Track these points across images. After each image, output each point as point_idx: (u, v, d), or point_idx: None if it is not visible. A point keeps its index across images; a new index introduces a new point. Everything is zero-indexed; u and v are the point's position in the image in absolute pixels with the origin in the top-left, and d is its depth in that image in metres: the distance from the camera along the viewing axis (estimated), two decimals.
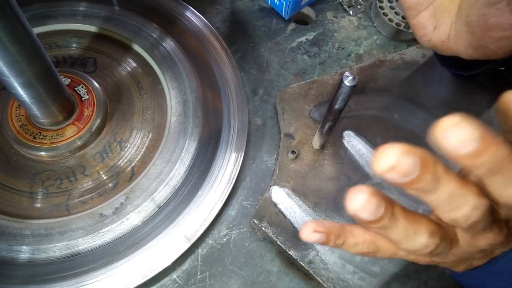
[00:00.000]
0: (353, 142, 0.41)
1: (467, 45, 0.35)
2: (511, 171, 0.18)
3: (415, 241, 0.22)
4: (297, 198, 0.38)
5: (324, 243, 0.24)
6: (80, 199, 0.38)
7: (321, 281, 0.35)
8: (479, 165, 0.18)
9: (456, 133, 0.16)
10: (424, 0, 0.36)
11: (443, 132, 0.17)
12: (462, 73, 0.43)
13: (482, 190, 0.20)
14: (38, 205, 0.37)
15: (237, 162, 0.40)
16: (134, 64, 0.45)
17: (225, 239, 0.38)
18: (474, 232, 0.23)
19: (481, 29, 0.33)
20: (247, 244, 0.37)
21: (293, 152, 0.40)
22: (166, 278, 0.36)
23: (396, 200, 0.22)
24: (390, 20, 0.49)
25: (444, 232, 0.23)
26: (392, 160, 0.17)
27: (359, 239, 0.25)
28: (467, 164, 0.18)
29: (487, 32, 0.32)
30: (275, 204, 0.38)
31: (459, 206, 0.20)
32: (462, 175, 0.23)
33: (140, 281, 0.34)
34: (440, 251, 0.23)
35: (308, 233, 0.24)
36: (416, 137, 0.42)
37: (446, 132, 0.17)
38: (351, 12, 0.52)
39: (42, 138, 0.39)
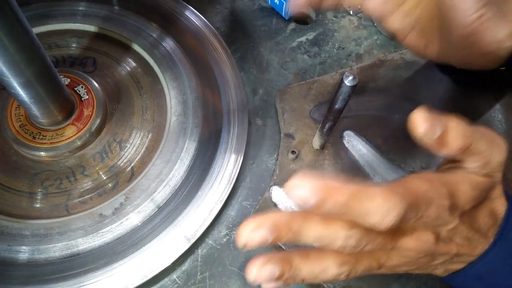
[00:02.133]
0: (353, 142, 0.41)
1: (457, 60, 0.36)
2: (358, 210, 0.21)
3: (327, 274, 0.25)
4: None
5: (277, 278, 0.24)
6: (79, 199, 0.38)
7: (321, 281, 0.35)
8: (326, 212, 0.21)
9: (298, 192, 0.21)
10: (406, 25, 0.37)
11: (289, 192, 0.21)
12: (462, 79, 0.43)
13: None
14: (38, 205, 0.37)
15: (237, 162, 0.40)
16: (134, 64, 0.45)
17: (225, 240, 0.37)
18: (372, 249, 0.24)
19: (463, 48, 0.34)
20: None
21: (293, 152, 0.40)
22: (166, 279, 0.35)
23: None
24: None
25: (355, 255, 0.25)
26: (243, 239, 0.22)
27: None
28: (320, 211, 0.22)
29: (469, 50, 0.33)
30: (275, 204, 0.38)
31: (331, 241, 0.23)
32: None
33: (140, 281, 0.34)
34: (359, 271, 0.25)
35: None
36: None
37: (291, 192, 0.21)
38: (351, 12, 0.52)
39: (41, 138, 0.39)
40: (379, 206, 0.21)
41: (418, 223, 0.25)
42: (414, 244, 0.25)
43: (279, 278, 0.23)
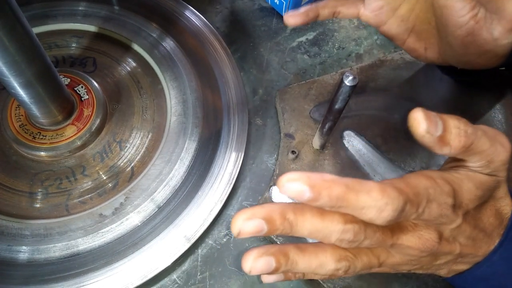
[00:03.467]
0: (353, 142, 0.41)
1: (457, 60, 0.36)
2: (353, 203, 0.21)
3: (324, 269, 0.24)
4: None
5: (274, 270, 0.23)
6: (79, 199, 0.38)
7: (320, 281, 0.35)
8: (322, 205, 0.21)
9: (292, 187, 0.21)
10: (403, 30, 0.37)
11: (283, 187, 0.21)
12: (463, 79, 0.43)
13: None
14: (38, 205, 0.37)
15: (237, 162, 0.40)
16: (134, 64, 0.45)
17: (225, 239, 0.37)
18: (370, 244, 0.24)
19: (460, 48, 0.34)
20: (247, 245, 0.37)
21: (293, 152, 0.40)
22: (166, 279, 0.35)
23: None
24: None
25: (354, 251, 0.25)
26: (237, 227, 0.22)
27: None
28: (316, 205, 0.21)
29: (467, 49, 0.34)
30: None
31: (327, 235, 0.23)
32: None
33: (140, 281, 0.34)
34: (359, 267, 0.25)
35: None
36: None
37: (284, 187, 0.21)
38: None
39: (41, 138, 0.39)
40: (376, 200, 0.21)
41: (420, 221, 0.24)
42: (415, 242, 0.25)
43: (275, 270, 0.23)
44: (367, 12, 0.37)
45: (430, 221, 0.24)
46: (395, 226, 0.24)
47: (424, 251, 0.25)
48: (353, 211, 0.22)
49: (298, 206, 0.23)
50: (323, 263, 0.24)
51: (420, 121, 0.22)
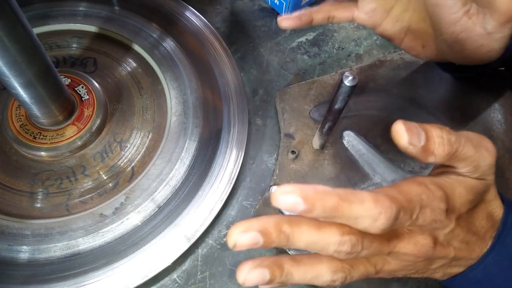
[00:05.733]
0: (353, 142, 0.41)
1: (454, 57, 0.36)
2: (347, 213, 0.21)
3: (320, 280, 0.24)
4: None
5: (268, 282, 0.23)
6: (80, 199, 0.38)
7: None
8: (316, 216, 0.21)
9: (286, 199, 0.21)
10: (399, 30, 0.38)
11: (277, 200, 0.21)
12: (463, 76, 0.43)
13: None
14: (38, 205, 0.37)
15: (237, 162, 0.40)
16: (134, 64, 0.45)
17: (225, 239, 0.38)
18: (368, 255, 0.24)
19: (456, 44, 0.34)
20: None
21: (293, 152, 0.40)
22: (166, 278, 0.36)
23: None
24: None
25: (350, 261, 0.25)
26: (232, 240, 0.22)
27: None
28: (310, 216, 0.21)
29: (463, 45, 0.34)
30: None
31: (324, 247, 0.23)
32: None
33: (140, 281, 0.34)
34: (355, 277, 0.25)
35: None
36: None
37: (278, 200, 0.21)
38: None
39: (42, 138, 0.39)
40: (370, 209, 0.21)
41: (414, 227, 0.24)
42: (411, 248, 0.25)
43: (270, 282, 0.23)
44: (361, 15, 0.37)
45: (424, 226, 0.24)
46: (391, 234, 0.24)
47: (419, 257, 0.25)
48: (347, 221, 0.22)
49: (294, 218, 0.23)
50: (318, 275, 0.24)
51: (401, 134, 0.23)
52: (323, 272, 0.24)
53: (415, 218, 0.23)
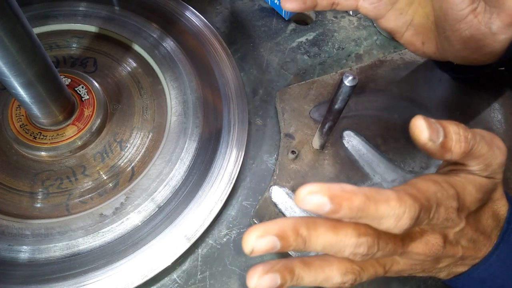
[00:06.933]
0: (353, 142, 0.41)
1: (454, 56, 0.36)
2: (373, 213, 0.21)
3: (330, 283, 0.24)
4: None
5: (279, 287, 0.23)
6: (80, 199, 0.38)
7: None
8: (341, 217, 0.21)
9: (311, 200, 0.20)
10: (401, 23, 0.37)
11: (302, 200, 0.20)
12: (461, 76, 0.43)
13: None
14: (38, 205, 0.37)
15: (237, 162, 0.40)
16: (134, 64, 0.45)
17: (225, 239, 0.38)
18: (382, 256, 0.24)
19: (458, 42, 0.34)
20: None
21: (293, 152, 0.40)
22: (166, 278, 0.36)
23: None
24: None
25: (361, 263, 0.25)
26: (249, 245, 0.21)
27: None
28: (334, 218, 0.21)
29: (465, 44, 0.34)
30: (275, 204, 0.38)
31: (341, 249, 0.22)
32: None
33: (140, 281, 0.34)
34: (365, 278, 0.25)
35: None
36: None
37: (304, 200, 0.20)
38: (351, 12, 0.52)
39: (42, 138, 0.39)
40: (395, 209, 0.21)
41: (426, 225, 0.24)
42: (423, 247, 0.25)
43: (280, 286, 0.23)
44: (366, 4, 0.37)
45: (437, 225, 0.24)
46: (404, 234, 0.24)
47: (430, 256, 0.25)
48: (371, 222, 0.21)
49: (310, 220, 0.23)
50: (329, 277, 0.24)
51: (422, 129, 0.22)
52: (334, 275, 0.24)
53: (431, 217, 0.23)
